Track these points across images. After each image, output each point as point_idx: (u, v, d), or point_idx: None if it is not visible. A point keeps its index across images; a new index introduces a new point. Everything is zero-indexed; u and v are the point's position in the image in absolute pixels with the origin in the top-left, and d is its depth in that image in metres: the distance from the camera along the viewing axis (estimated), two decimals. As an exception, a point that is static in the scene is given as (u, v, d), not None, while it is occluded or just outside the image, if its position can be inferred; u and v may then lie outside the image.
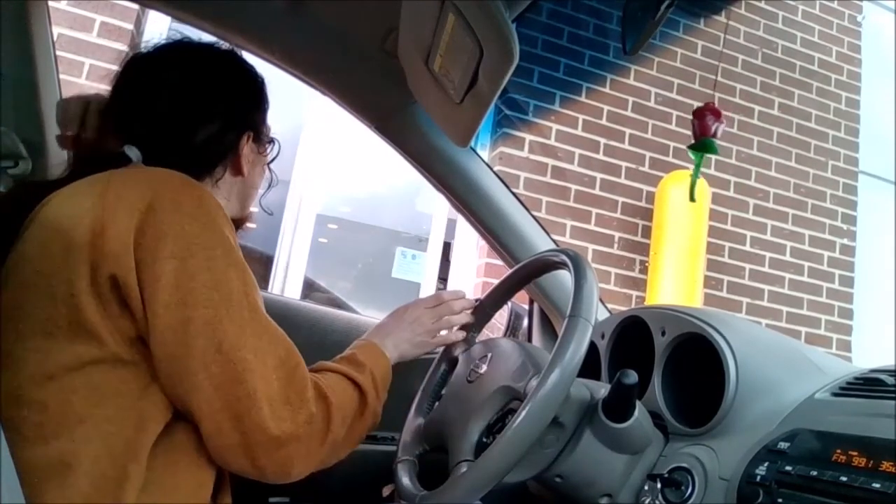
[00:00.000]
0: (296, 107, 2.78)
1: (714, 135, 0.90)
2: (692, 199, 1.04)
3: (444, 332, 0.94)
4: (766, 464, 0.66)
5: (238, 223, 0.89)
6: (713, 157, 3.37)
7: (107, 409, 0.64)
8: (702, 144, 0.91)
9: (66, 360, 0.64)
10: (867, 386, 0.74)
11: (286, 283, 2.82)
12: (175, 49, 0.81)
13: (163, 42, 0.81)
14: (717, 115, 0.90)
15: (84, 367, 0.64)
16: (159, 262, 0.64)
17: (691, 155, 0.94)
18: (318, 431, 0.70)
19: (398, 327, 0.90)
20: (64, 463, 0.62)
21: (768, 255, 3.46)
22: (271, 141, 0.89)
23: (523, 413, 0.68)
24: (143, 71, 0.80)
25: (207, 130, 0.78)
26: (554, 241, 1.23)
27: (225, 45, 0.86)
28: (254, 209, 0.93)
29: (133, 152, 0.77)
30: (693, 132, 0.92)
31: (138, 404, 0.65)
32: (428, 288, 3.07)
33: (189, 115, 0.78)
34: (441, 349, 0.99)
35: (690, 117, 0.92)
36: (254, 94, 0.86)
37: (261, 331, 0.69)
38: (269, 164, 0.91)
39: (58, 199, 0.70)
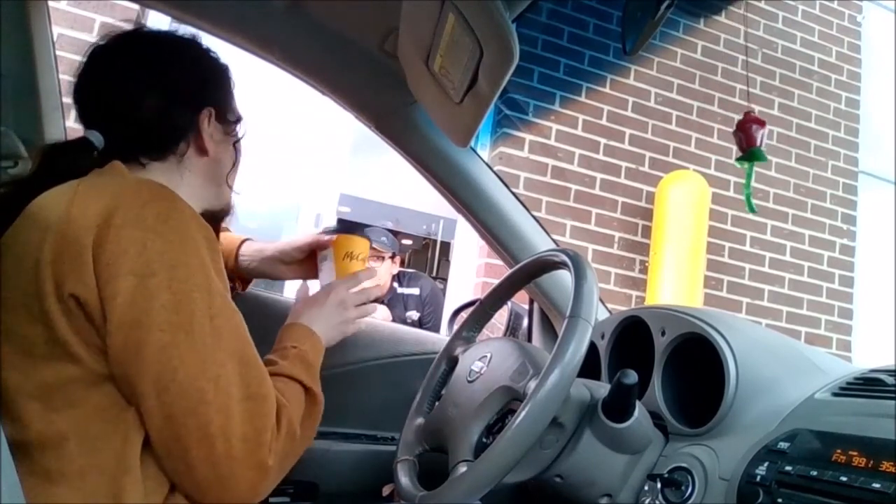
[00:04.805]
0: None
1: (760, 143, 0.91)
2: (751, 209, 1.04)
3: (363, 319, 0.92)
4: (766, 464, 0.66)
5: (219, 215, 0.89)
6: (713, 156, 3.38)
7: (91, 425, 0.63)
8: (750, 154, 0.92)
9: (46, 379, 0.63)
10: (867, 386, 0.74)
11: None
12: (129, 36, 0.83)
13: (119, 31, 0.82)
14: (762, 124, 0.91)
15: (64, 385, 0.63)
16: (117, 279, 0.62)
17: (739, 165, 0.94)
18: (265, 474, 0.67)
19: (325, 313, 0.87)
20: (49, 480, 0.61)
21: (768, 255, 3.46)
22: (238, 120, 0.88)
23: (523, 413, 0.68)
24: (97, 59, 0.81)
25: (154, 104, 0.78)
26: (554, 241, 1.23)
27: (188, 33, 0.86)
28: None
29: (94, 136, 0.78)
30: (738, 144, 0.93)
31: (123, 415, 0.64)
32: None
33: (133, 90, 0.78)
34: (441, 349, 0.99)
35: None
36: (211, 73, 0.85)
37: (224, 359, 0.65)
38: (235, 143, 0.89)
39: (33, 208, 0.69)
